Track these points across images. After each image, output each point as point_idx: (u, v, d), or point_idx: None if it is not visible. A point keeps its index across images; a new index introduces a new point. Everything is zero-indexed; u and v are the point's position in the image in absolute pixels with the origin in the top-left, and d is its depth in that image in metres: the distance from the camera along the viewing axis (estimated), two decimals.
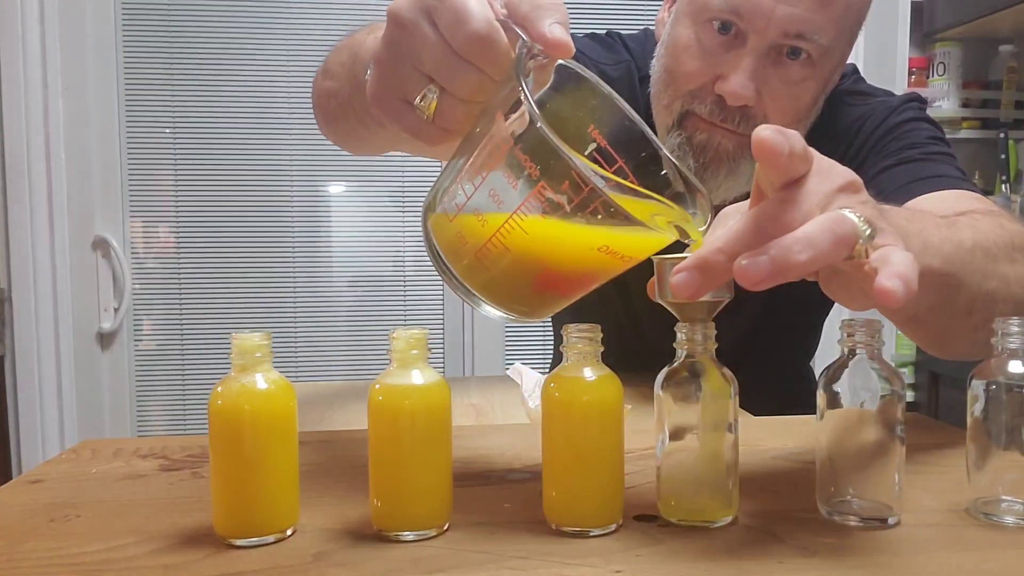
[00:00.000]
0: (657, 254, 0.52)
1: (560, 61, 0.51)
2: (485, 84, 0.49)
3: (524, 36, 0.48)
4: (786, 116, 0.87)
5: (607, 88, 0.55)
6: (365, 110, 0.63)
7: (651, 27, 1.03)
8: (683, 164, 0.86)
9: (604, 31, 1.09)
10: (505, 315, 0.55)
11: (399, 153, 2.13)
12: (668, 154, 0.56)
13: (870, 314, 0.53)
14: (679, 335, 0.54)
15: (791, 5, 0.81)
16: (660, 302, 0.54)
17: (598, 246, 0.48)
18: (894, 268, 0.43)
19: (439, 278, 2.25)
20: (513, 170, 0.47)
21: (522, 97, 0.45)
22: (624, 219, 0.46)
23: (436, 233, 0.53)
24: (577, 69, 0.54)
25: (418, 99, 0.51)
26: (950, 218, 0.65)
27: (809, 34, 0.83)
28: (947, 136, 2.10)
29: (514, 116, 0.46)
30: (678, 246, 0.51)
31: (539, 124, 0.44)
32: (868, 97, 0.98)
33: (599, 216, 0.46)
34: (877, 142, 0.94)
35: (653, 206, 0.55)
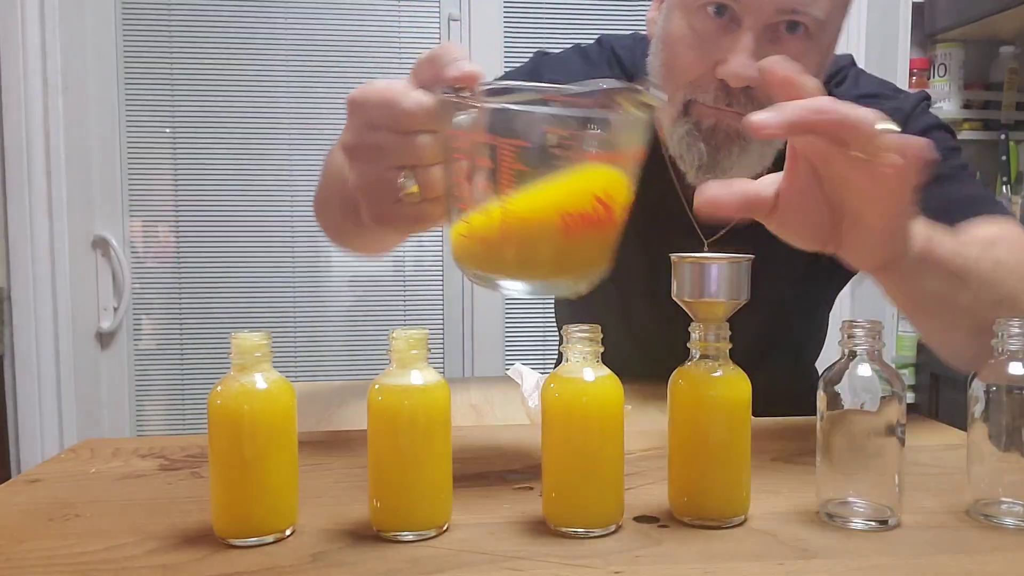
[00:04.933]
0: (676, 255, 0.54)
1: (485, 87, 0.57)
2: (439, 142, 0.55)
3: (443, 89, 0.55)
4: None
5: (535, 84, 0.62)
6: (373, 231, 0.70)
7: (641, 31, 1.03)
8: (693, 150, 0.87)
9: (596, 38, 1.09)
10: (572, 283, 0.57)
11: None
12: (615, 84, 0.58)
13: (872, 315, 0.53)
14: (693, 335, 0.54)
15: None
16: (677, 301, 0.54)
17: (591, 186, 0.54)
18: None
19: (439, 278, 2.25)
20: (483, 154, 0.53)
21: (456, 99, 0.54)
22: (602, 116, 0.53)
23: (468, 253, 0.57)
24: (501, 85, 0.60)
25: (401, 194, 0.56)
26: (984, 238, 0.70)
27: (804, 8, 0.82)
28: None
29: (462, 116, 0.54)
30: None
31: (481, 104, 0.52)
32: (877, 100, 0.98)
33: (569, 144, 0.52)
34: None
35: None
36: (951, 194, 0.88)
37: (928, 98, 1.01)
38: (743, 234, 0.96)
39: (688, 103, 0.88)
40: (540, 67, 1.05)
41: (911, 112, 0.96)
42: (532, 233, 0.52)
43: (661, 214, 0.99)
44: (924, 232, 0.62)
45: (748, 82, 0.83)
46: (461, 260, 0.57)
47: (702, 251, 0.91)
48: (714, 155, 0.87)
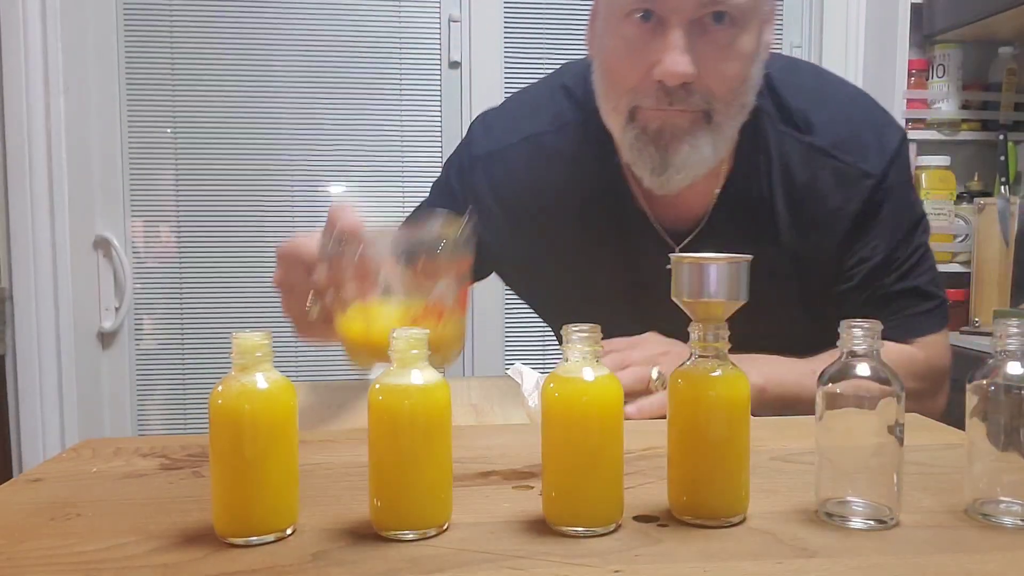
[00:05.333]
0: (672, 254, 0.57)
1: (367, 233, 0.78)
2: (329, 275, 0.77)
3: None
4: (728, 81, 0.88)
5: (391, 228, 0.83)
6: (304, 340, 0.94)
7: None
8: (644, 154, 0.90)
9: (555, 69, 1.13)
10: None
11: (399, 153, 2.12)
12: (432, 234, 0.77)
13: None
14: (692, 335, 0.54)
15: None
16: (675, 301, 0.55)
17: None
18: (646, 401, 0.83)
19: None
20: (352, 280, 0.76)
21: (333, 244, 0.76)
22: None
23: (349, 350, 0.79)
24: (377, 228, 0.80)
25: (311, 315, 0.80)
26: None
27: None
28: (947, 138, 2.09)
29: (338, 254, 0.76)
30: None
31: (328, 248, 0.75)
32: (836, 159, 0.97)
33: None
34: (870, 230, 0.98)
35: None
36: (897, 290, 0.98)
37: (905, 139, 1.01)
38: (711, 236, 0.97)
39: (633, 110, 0.90)
40: (475, 136, 1.10)
41: (881, 179, 0.97)
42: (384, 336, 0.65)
43: (626, 226, 1.01)
44: (759, 381, 0.84)
45: (685, 78, 0.85)
46: (347, 354, 0.78)
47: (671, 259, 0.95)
48: (665, 155, 0.89)
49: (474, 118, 1.15)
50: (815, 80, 1.05)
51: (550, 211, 1.02)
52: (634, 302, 1.01)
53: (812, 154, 0.96)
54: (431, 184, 1.17)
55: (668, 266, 0.92)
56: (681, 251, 1.00)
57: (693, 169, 0.90)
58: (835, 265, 0.98)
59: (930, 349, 1.00)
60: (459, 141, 1.15)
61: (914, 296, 0.99)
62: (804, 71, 1.08)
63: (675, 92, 0.86)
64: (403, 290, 0.75)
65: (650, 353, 0.87)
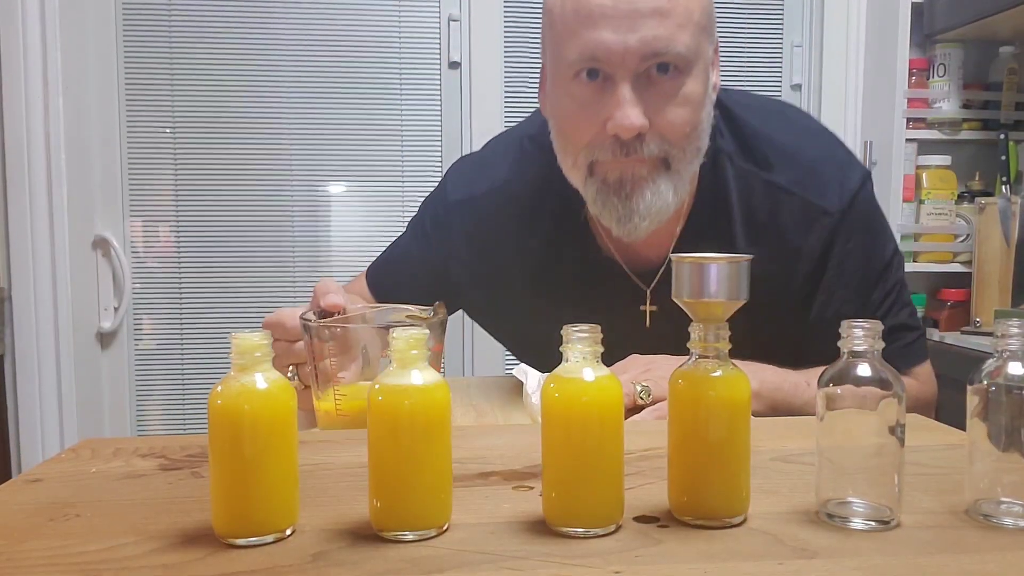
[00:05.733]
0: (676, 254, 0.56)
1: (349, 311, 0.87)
2: (304, 350, 0.85)
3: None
4: (680, 127, 0.90)
5: (364, 309, 0.92)
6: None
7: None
8: (609, 205, 0.92)
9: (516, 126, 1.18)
10: None
11: (398, 153, 2.12)
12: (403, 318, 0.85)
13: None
14: (693, 335, 0.54)
15: (635, 32, 0.85)
16: (676, 300, 0.55)
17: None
18: (638, 416, 0.86)
19: None
20: (324, 356, 0.83)
21: (309, 321, 0.83)
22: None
23: (321, 421, 0.86)
24: (357, 308, 0.90)
25: (292, 382, 0.79)
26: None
27: (664, 49, 0.86)
28: (948, 137, 2.08)
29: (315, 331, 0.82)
30: None
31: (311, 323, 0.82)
32: (796, 196, 0.97)
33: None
34: (833, 271, 0.99)
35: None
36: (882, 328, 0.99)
37: (867, 178, 1.01)
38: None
39: (591, 164, 0.92)
40: (448, 183, 1.13)
41: (841, 218, 0.97)
42: (358, 412, 0.71)
43: (595, 272, 1.03)
44: (754, 385, 0.84)
45: (638, 130, 0.88)
46: (318, 422, 0.85)
47: (645, 300, 1.02)
48: (628, 204, 0.91)
49: (451, 164, 1.19)
50: (778, 118, 1.06)
51: (519, 259, 1.05)
52: (607, 344, 1.02)
53: (772, 191, 0.98)
54: (431, 184, 1.18)
55: (642, 307, 1.01)
56: (651, 292, 1.02)
57: (658, 214, 0.92)
58: (806, 299, 0.99)
59: (921, 378, 1.04)
60: (458, 146, 1.17)
61: (900, 330, 1.01)
62: (768, 108, 1.08)
63: (630, 144, 0.89)
64: (379, 368, 0.77)
65: (633, 375, 0.89)
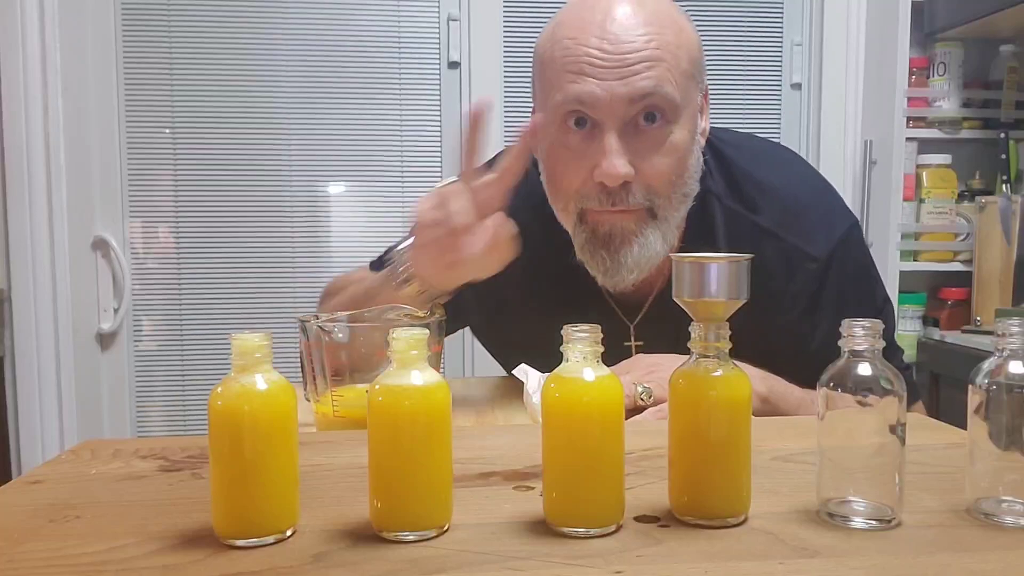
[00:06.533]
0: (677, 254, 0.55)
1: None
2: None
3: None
4: (666, 176, 0.90)
5: (360, 312, 0.88)
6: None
7: None
8: (596, 257, 0.92)
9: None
10: None
11: (398, 153, 2.12)
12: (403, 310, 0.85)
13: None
14: (693, 334, 0.54)
15: (622, 79, 0.86)
16: (676, 300, 0.55)
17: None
18: (639, 417, 0.85)
19: None
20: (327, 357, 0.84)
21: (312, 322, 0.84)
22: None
23: (318, 423, 0.86)
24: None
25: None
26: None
27: (653, 90, 0.87)
28: (948, 136, 2.09)
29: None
30: None
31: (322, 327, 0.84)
32: (783, 241, 0.97)
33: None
34: (823, 311, 0.98)
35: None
36: None
37: (855, 226, 1.01)
38: (659, 312, 1.00)
39: (581, 212, 0.93)
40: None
41: (827, 264, 0.97)
42: (357, 414, 0.71)
43: (584, 303, 1.02)
44: (762, 390, 0.89)
45: (623, 179, 0.88)
46: (316, 424, 0.85)
47: (630, 335, 1.03)
48: (616, 258, 0.92)
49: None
50: (769, 160, 1.05)
51: (515, 284, 1.03)
52: None
53: (758, 233, 0.97)
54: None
55: (626, 343, 1.02)
56: (635, 327, 1.03)
57: (645, 265, 0.92)
58: (796, 339, 0.98)
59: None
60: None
61: None
62: (759, 150, 1.08)
63: (616, 192, 0.89)
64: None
65: (636, 376, 0.89)
